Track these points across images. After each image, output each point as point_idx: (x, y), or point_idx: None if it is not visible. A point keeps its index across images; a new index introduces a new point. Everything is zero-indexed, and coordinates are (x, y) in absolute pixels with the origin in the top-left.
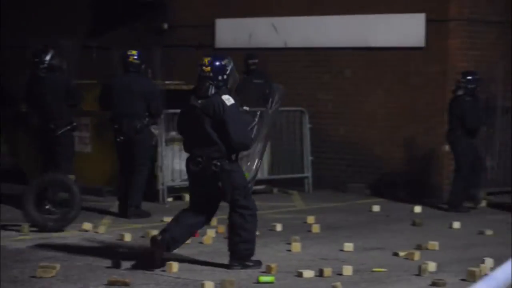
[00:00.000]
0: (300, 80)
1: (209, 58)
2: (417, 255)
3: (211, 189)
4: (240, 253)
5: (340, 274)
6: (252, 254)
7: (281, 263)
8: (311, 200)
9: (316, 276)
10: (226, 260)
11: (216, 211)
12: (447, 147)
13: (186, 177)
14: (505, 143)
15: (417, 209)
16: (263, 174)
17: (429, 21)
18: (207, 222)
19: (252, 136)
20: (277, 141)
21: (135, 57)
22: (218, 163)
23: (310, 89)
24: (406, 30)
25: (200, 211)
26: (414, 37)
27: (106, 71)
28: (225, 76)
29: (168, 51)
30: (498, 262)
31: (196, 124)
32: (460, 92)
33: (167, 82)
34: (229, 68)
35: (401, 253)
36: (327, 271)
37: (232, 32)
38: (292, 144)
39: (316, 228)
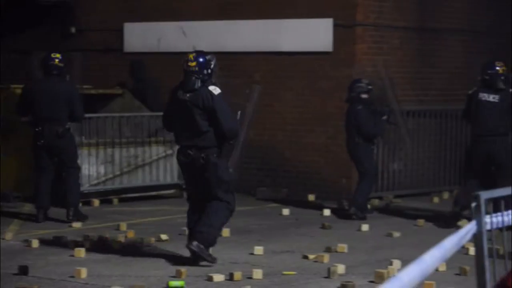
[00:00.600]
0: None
1: (194, 54)
2: (326, 257)
3: (200, 179)
4: (204, 236)
5: (250, 278)
6: (214, 242)
7: (191, 267)
8: None
9: (226, 280)
10: (136, 266)
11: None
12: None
13: (95, 182)
14: (412, 146)
15: (326, 212)
16: (173, 178)
17: (336, 26)
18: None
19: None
20: None
21: (59, 59)
22: (205, 156)
23: None
24: (314, 35)
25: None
26: (322, 42)
27: (9, 75)
28: (209, 71)
29: (76, 54)
30: (406, 263)
31: (186, 117)
32: (351, 101)
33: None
34: (213, 63)
35: (311, 256)
36: (237, 275)
37: (141, 36)
38: None
39: (226, 232)
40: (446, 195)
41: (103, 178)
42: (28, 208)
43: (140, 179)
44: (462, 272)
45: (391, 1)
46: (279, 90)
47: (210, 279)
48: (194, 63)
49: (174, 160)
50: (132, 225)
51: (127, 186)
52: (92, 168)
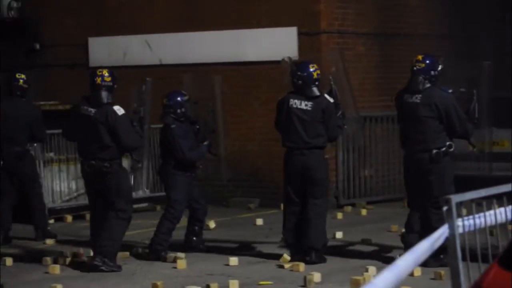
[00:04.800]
0: None
1: (107, 70)
2: (302, 266)
3: (102, 189)
4: (104, 248)
5: None
6: (115, 253)
7: (167, 280)
8: None
9: None
10: (111, 281)
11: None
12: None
13: (67, 197)
14: (383, 152)
15: None
16: (145, 192)
17: (301, 34)
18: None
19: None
20: (158, 159)
21: (24, 80)
22: (108, 164)
23: None
24: (279, 43)
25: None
26: (287, 50)
27: None
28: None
29: (40, 71)
30: (381, 270)
31: (90, 130)
32: (167, 119)
33: (41, 102)
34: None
35: (286, 265)
36: (214, 286)
37: (105, 50)
38: None
39: None
40: None
41: (75, 194)
42: None
43: None
44: (437, 277)
45: (353, 8)
46: (246, 100)
47: None
48: (109, 78)
49: (145, 173)
50: None
51: None
52: (63, 184)
